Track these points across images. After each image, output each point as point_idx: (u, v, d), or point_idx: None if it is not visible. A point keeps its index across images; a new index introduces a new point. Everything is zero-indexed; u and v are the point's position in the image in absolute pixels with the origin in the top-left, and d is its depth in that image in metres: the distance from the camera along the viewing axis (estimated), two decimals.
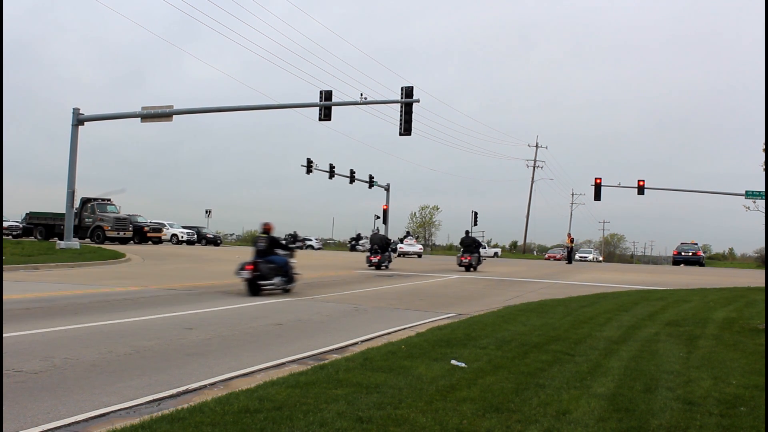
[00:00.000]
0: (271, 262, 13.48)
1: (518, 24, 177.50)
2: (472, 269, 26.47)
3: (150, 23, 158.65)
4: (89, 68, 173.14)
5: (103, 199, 41.20)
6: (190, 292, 13.57)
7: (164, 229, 47.06)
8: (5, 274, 15.59)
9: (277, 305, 11.85)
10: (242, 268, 13.26)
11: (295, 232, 58.40)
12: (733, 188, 62.19)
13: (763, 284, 20.14)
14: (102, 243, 37.45)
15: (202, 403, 4.76)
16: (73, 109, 30.07)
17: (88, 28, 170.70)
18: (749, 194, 39.83)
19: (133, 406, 4.94)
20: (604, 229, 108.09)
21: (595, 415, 4.67)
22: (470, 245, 27.09)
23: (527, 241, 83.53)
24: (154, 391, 5.37)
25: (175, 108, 30.36)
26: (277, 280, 13.45)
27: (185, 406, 4.74)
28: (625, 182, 45.56)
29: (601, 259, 70.81)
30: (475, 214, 62.69)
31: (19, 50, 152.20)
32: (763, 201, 31.58)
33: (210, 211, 62.87)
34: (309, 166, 47.94)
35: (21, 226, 44.39)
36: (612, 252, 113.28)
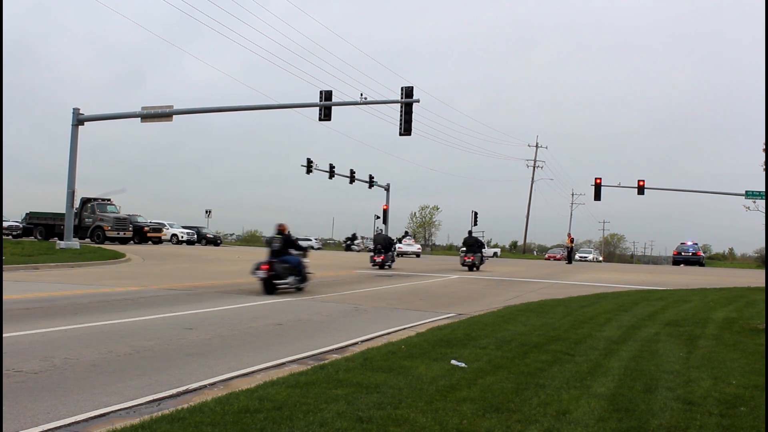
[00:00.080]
0: (285, 261, 13.91)
1: (518, 24, 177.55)
2: (475, 269, 26.84)
3: (150, 23, 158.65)
4: (89, 68, 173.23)
5: (103, 199, 41.21)
6: (190, 292, 13.57)
7: (164, 229, 47.08)
8: (5, 274, 15.59)
9: (276, 305, 11.86)
10: (258, 268, 13.69)
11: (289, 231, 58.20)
12: (733, 188, 62.21)
13: (763, 284, 20.14)
14: (102, 243, 37.46)
15: (202, 403, 4.76)
16: (73, 109, 30.09)
17: (88, 28, 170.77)
18: (749, 194, 39.84)
19: (133, 406, 4.94)
20: (604, 229, 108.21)
21: (595, 415, 4.67)
22: (473, 245, 27.48)
23: (527, 241, 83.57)
24: (154, 391, 5.38)
25: (175, 108, 30.37)
26: (291, 279, 13.87)
27: (185, 406, 4.74)
28: (625, 182, 45.62)
29: (601, 259, 70.83)
30: (475, 214, 62.68)
31: (19, 50, 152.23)
32: (763, 201, 31.60)
33: (210, 211, 62.94)
34: (309, 166, 47.94)
35: (21, 226, 44.40)
36: (612, 252, 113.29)
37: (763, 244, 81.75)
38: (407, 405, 4.78)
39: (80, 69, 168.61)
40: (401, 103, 28.01)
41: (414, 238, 67.31)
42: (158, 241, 44.68)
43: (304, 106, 31.76)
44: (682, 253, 50.32)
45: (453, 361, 6.40)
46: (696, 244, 52.04)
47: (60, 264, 20.59)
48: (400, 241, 49.66)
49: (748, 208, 35.07)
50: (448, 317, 10.85)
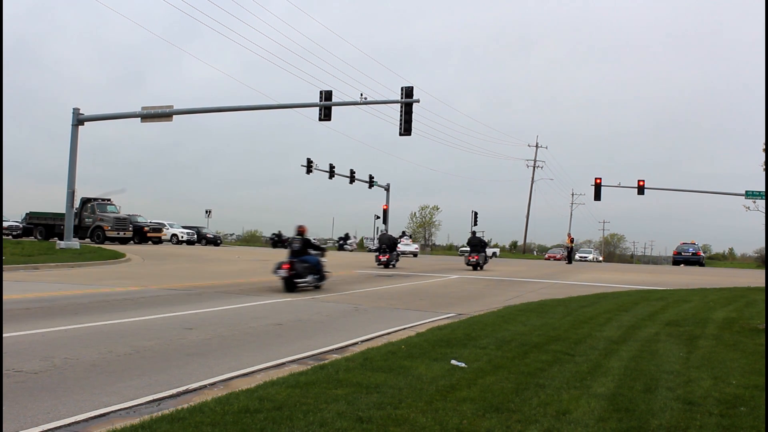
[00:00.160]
0: (305, 261, 14.71)
1: (518, 24, 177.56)
2: (479, 268, 27.37)
3: (150, 23, 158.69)
4: (89, 68, 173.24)
5: (103, 199, 41.21)
6: (190, 292, 13.58)
7: (164, 229, 47.08)
8: (5, 274, 15.59)
9: (276, 305, 11.86)
10: (279, 267, 14.42)
11: (280, 231, 57.62)
12: (733, 188, 62.18)
13: (763, 284, 20.14)
14: (102, 243, 37.46)
15: (202, 403, 4.76)
16: (73, 109, 30.09)
17: (88, 28, 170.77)
18: (749, 194, 39.85)
19: (133, 406, 4.94)
20: (604, 229, 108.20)
21: (595, 415, 4.67)
22: (477, 245, 28.12)
23: (527, 241, 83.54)
24: (154, 391, 5.38)
25: (175, 108, 30.37)
26: (310, 278, 14.65)
27: (185, 406, 4.74)
28: (625, 182, 45.63)
29: (601, 259, 70.81)
30: (475, 214, 62.72)
31: (19, 50, 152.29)
32: (763, 201, 31.59)
33: (210, 211, 62.91)
34: (309, 166, 47.96)
35: (21, 226, 44.39)
36: (612, 252, 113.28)
37: (763, 244, 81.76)
38: (407, 405, 4.78)
39: (80, 69, 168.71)
40: (401, 103, 28.01)
41: (412, 238, 67.56)
42: (158, 241, 44.68)
43: (304, 106, 31.77)
44: (682, 253, 50.31)
45: (453, 361, 6.40)
46: (696, 245, 52.03)
47: (60, 264, 20.59)
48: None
49: (748, 208, 35.04)
50: (448, 317, 10.85)
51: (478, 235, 30.27)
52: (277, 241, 58.70)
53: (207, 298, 12.66)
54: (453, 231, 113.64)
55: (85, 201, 40.11)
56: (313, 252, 15.20)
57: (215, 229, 62.20)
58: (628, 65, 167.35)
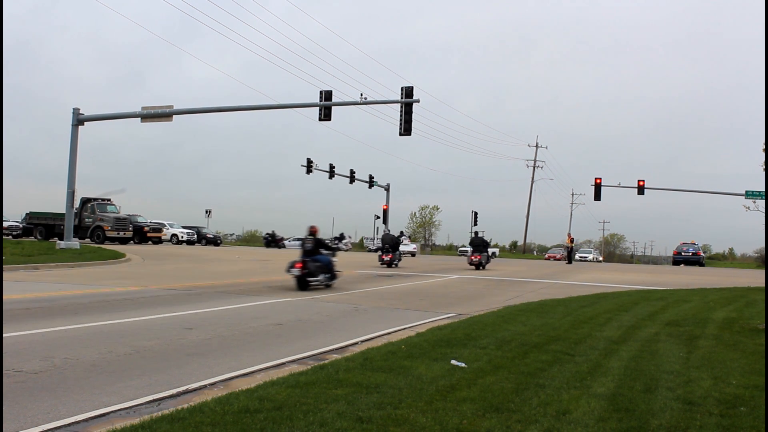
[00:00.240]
0: (317, 260, 15.19)
1: (518, 24, 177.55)
2: (481, 267, 27.72)
3: (150, 23, 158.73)
4: (89, 68, 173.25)
5: (103, 199, 41.21)
6: (190, 292, 13.58)
7: (164, 229, 47.09)
8: (5, 274, 15.59)
9: (276, 305, 11.86)
10: (292, 266, 14.89)
11: (274, 231, 57.86)
12: (733, 188, 62.18)
13: (763, 284, 20.14)
14: (102, 243, 37.46)
15: (202, 403, 4.76)
16: (73, 109, 30.09)
17: (88, 28, 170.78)
18: (749, 194, 39.84)
19: (133, 406, 4.94)
20: (604, 229, 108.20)
21: (595, 415, 4.67)
22: (479, 245, 28.52)
23: (527, 241, 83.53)
24: (154, 391, 5.38)
25: (175, 108, 30.37)
26: (321, 277, 15.15)
27: (185, 406, 4.74)
28: (625, 182, 45.63)
29: (601, 259, 70.81)
30: (475, 214, 62.75)
31: (19, 50, 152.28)
32: (763, 201, 31.59)
33: (210, 211, 62.94)
34: (309, 166, 47.97)
35: (21, 226, 44.40)
36: (612, 252, 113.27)
37: (763, 244, 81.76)
38: (407, 405, 4.78)
39: (80, 69, 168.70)
40: (401, 103, 28.01)
41: (410, 238, 67.69)
42: (158, 241, 44.68)
43: (304, 106, 31.77)
44: (682, 253, 50.30)
45: (453, 361, 6.40)
46: (696, 245, 52.02)
47: (60, 264, 20.59)
48: None
49: (748, 208, 35.00)
50: (448, 317, 10.85)
51: (480, 235, 30.44)
52: (271, 240, 58.86)
53: (207, 298, 12.65)
54: (453, 231, 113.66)
55: (85, 201, 40.11)
56: (324, 252, 15.70)
57: (215, 229, 62.31)
58: (628, 65, 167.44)
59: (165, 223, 48.83)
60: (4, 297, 10.74)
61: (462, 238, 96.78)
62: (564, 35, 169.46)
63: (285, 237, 60.85)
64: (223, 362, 6.62)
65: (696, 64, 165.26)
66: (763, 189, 36.98)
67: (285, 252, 45.85)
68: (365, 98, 29.17)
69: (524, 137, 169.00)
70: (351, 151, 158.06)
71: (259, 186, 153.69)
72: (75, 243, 29.35)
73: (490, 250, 32.33)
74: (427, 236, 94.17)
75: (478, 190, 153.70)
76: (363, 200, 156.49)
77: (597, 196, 43.38)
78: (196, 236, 51.22)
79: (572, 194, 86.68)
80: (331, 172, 50.24)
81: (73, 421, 4.53)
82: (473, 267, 27.94)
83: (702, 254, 52.48)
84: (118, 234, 39.62)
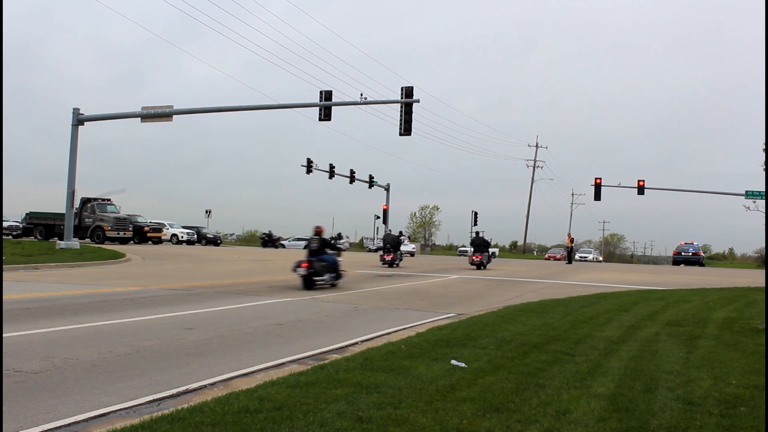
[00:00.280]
0: (323, 260, 15.49)
1: (518, 24, 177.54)
2: (482, 267, 27.97)
3: (150, 23, 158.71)
4: (89, 68, 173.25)
5: (103, 199, 41.22)
6: (190, 292, 13.58)
7: (164, 229, 47.10)
8: (5, 274, 15.60)
9: (276, 305, 11.86)
10: (298, 266, 15.17)
11: (271, 231, 58.09)
12: (733, 188, 62.13)
13: (763, 284, 20.14)
14: (102, 243, 37.46)
15: (202, 403, 4.76)
16: (73, 109, 30.09)
17: (88, 28, 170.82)
18: (749, 194, 39.85)
19: (133, 406, 4.94)
20: (604, 229, 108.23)
21: (595, 415, 4.67)
22: (480, 245, 28.86)
23: (527, 241, 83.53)
24: (154, 391, 5.38)
25: (175, 108, 30.37)
26: (327, 276, 15.45)
27: (185, 406, 4.74)
28: (625, 182, 45.64)
29: (601, 259, 70.81)
30: (475, 214, 62.74)
31: (19, 50, 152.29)
32: (763, 201, 31.59)
33: (210, 211, 62.95)
34: (309, 166, 47.97)
35: (21, 226, 44.41)
36: (612, 252, 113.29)
37: (763, 244, 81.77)
38: (407, 405, 4.78)
39: (80, 69, 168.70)
40: (401, 103, 28.01)
41: (409, 238, 67.83)
42: (158, 241, 44.69)
43: (304, 106, 31.78)
44: (682, 253, 50.30)
45: (453, 361, 6.40)
46: (696, 244, 52.01)
47: (60, 264, 20.59)
48: None
49: (748, 208, 35.02)
50: (448, 317, 10.85)
51: (480, 235, 30.58)
52: (268, 240, 58.97)
53: (207, 298, 12.66)
54: (453, 231, 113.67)
55: (85, 201, 40.11)
56: (330, 251, 15.98)
57: (215, 229, 62.34)
58: (628, 65, 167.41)
59: (165, 223, 48.83)
60: (4, 297, 10.74)
61: (462, 238, 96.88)
62: (564, 35, 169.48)
63: (284, 237, 61.00)
64: (223, 362, 6.62)
65: (696, 64, 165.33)
66: (763, 189, 36.98)
67: (285, 252, 45.86)
68: (365, 98, 29.18)
69: (524, 137, 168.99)
70: (351, 151, 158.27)
71: (259, 186, 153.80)
72: (75, 243, 29.35)
73: (491, 250, 32.46)
74: (427, 236, 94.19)
75: (478, 190, 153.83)
76: (363, 200, 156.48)
77: (597, 196, 43.40)
78: (196, 236, 51.23)
79: (572, 194, 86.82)
80: (331, 172, 50.25)
81: (73, 421, 4.53)
82: (474, 267, 28.13)
83: (702, 254, 52.48)
84: (118, 234, 39.62)
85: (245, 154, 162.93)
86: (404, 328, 9.39)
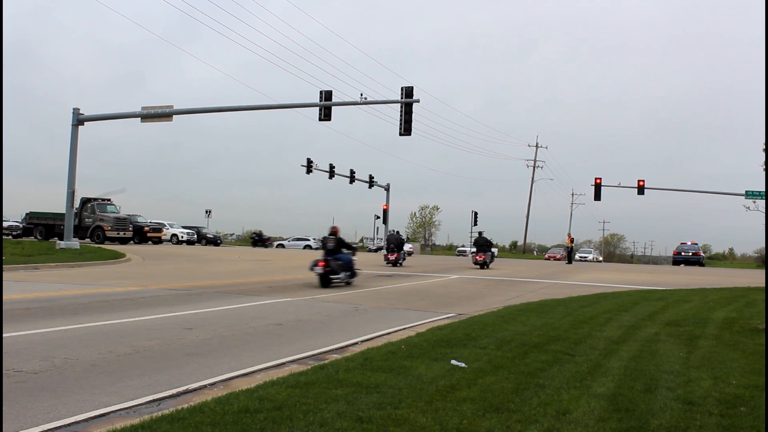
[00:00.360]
0: (338, 259, 16.14)
1: (518, 24, 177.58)
2: (486, 266, 28.60)
3: (150, 23, 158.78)
4: (89, 68, 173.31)
5: (103, 199, 41.21)
6: (190, 292, 13.57)
7: (164, 229, 47.10)
8: (5, 274, 15.59)
9: (276, 305, 11.86)
10: (316, 265, 15.89)
11: (261, 231, 57.86)
12: (733, 188, 62.20)
13: (763, 284, 20.14)
14: (102, 243, 37.46)
15: (202, 403, 4.76)
16: (73, 109, 30.08)
17: (88, 28, 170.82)
18: (749, 194, 39.84)
19: (133, 406, 4.94)
20: (604, 229, 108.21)
21: (595, 415, 4.67)
22: (483, 245, 29.52)
23: (527, 241, 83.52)
24: (154, 391, 5.37)
25: (175, 108, 30.37)
26: (343, 274, 16.10)
27: (185, 406, 4.74)
28: (625, 182, 45.64)
29: (601, 259, 70.81)
30: (475, 214, 62.72)
31: (19, 50, 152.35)
32: (763, 201, 31.59)
33: (210, 211, 62.96)
34: (309, 166, 47.96)
35: (21, 226, 44.41)
36: (612, 252, 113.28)
37: (763, 244, 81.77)
38: (407, 405, 4.78)
39: (80, 69, 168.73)
40: (401, 103, 28.01)
41: (408, 238, 67.98)
42: (158, 241, 44.68)
43: (304, 106, 31.77)
44: (682, 253, 50.28)
45: (453, 361, 6.40)
46: (696, 244, 52.00)
47: (60, 264, 20.59)
48: None
49: (748, 208, 35.08)
50: (448, 317, 10.85)
51: (483, 235, 30.79)
52: (258, 240, 59.08)
53: (207, 298, 12.65)
54: (453, 231, 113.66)
55: (85, 201, 40.11)
56: (345, 251, 16.62)
57: (215, 229, 62.40)
58: (628, 65, 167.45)
59: (165, 223, 48.84)
60: (4, 297, 10.74)
61: (462, 238, 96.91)
62: (564, 35, 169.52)
63: (274, 237, 61.22)
64: (223, 362, 6.62)
65: (696, 63, 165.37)
66: (763, 189, 36.98)
67: (284, 252, 45.88)
68: (365, 98, 29.18)
69: (524, 137, 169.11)
70: (351, 151, 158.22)
71: (259, 186, 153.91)
72: (75, 243, 29.35)
73: (493, 250, 32.77)
74: (427, 236, 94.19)
75: (478, 190, 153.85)
76: (363, 200, 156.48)
77: (597, 196, 43.40)
78: (196, 236, 51.24)
79: (572, 194, 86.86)
80: (331, 172, 50.24)
81: (73, 421, 4.53)
82: (478, 266, 28.62)
83: (702, 254, 52.46)
84: (118, 234, 39.61)
85: (245, 154, 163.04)
86: (404, 328, 9.39)
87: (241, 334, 8.49)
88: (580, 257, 58.31)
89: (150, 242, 43.46)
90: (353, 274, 16.61)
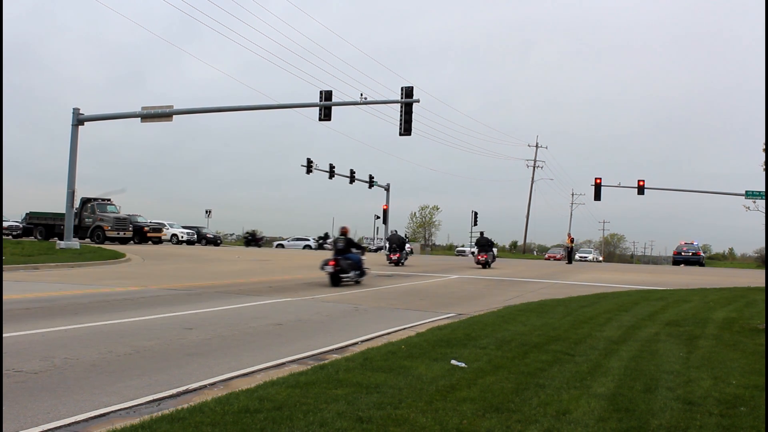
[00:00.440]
0: (348, 259, 16.56)
1: (518, 24, 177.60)
2: (488, 266, 28.93)
3: (150, 23, 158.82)
4: (89, 68, 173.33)
5: (103, 199, 41.21)
6: (190, 292, 13.57)
7: (164, 229, 47.10)
8: (5, 274, 15.59)
9: (276, 305, 11.86)
10: (326, 264, 16.31)
11: (254, 230, 57.71)
12: (733, 188, 62.22)
13: (763, 284, 20.14)
14: (102, 243, 37.46)
15: (202, 403, 4.76)
16: (73, 109, 30.08)
17: (88, 28, 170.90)
18: (749, 194, 39.85)
19: (133, 406, 4.94)
20: (604, 229, 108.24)
21: (595, 415, 4.67)
22: (485, 245, 29.93)
23: (527, 241, 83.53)
24: (154, 391, 5.37)
25: (175, 108, 30.37)
26: (352, 273, 16.53)
27: (185, 406, 4.74)
28: (625, 182, 45.66)
29: (601, 259, 70.81)
30: (475, 214, 62.76)
31: (19, 50, 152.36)
32: (763, 201, 31.60)
33: (210, 211, 62.96)
34: (309, 166, 47.96)
35: (21, 226, 44.40)
36: (612, 252, 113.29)
37: (763, 244, 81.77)
38: (407, 405, 4.78)
39: (80, 69, 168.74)
40: (401, 103, 28.01)
41: (408, 238, 68.14)
42: (158, 241, 44.68)
43: (304, 106, 31.77)
44: (682, 253, 50.27)
45: (453, 361, 6.39)
46: (696, 244, 52.00)
47: (60, 264, 20.59)
48: None
49: (748, 208, 35.11)
50: (448, 317, 10.85)
51: (485, 235, 31.07)
52: (251, 240, 59.15)
53: (207, 298, 12.65)
54: (453, 231, 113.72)
55: (85, 201, 40.11)
56: (354, 251, 17.08)
57: (215, 229, 62.41)
58: (628, 65, 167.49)
59: (165, 223, 48.84)
60: (4, 297, 10.74)
61: (462, 238, 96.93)
62: (564, 35, 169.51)
63: (267, 236, 61.50)
64: (223, 362, 6.61)
65: (696, 64, 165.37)
66: (763, 189, 36.98)
67: (284, 252, 45.90)
68: (365, 98, 29.18)
69: (524, 137, 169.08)
70: (351, 151, 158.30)
71: (259, 186, 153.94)
72: (75, 243, 29.34)
73: (494, 250, 32.96)
74: (427, 236, 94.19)
75: (478, 190, 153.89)
76: (363, 200, 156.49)
77: (597, 196, 43.41)
78: (196, 236, 51.24)
79: (572, 194, 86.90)
80: (331, 172, 50.24)
81: (73, 421, 4.53)
82: (480, 266, 28.88)
83: (702, 254, 52.45)
84: (118, 234, 39.61)
85: (245, 154, 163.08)
86: (404, 328, 9.39)
87: (241, 334, 8.49)
88: (580, 257, 58.31)
89: (150, 242, 43.45)
90: (362, 273, 16.99)
